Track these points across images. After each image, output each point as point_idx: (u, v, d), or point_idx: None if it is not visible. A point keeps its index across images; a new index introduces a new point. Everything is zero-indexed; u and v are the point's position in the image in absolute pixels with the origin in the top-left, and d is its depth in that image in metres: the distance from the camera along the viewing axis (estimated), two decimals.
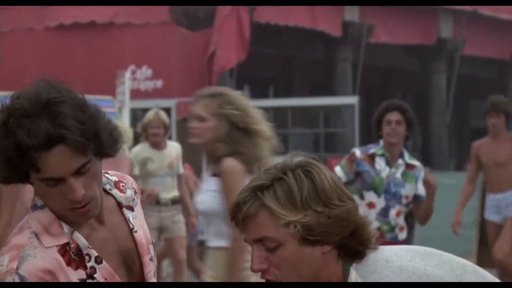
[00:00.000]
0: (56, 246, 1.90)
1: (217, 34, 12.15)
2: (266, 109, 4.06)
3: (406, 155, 5.19)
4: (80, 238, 1.93)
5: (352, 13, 14.56)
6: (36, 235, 1.92)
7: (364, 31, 14.37)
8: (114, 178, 2.06)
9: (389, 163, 5.13)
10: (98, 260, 1.93)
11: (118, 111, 10.34)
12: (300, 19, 13.36)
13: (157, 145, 6.84)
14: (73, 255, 1.92)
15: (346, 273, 1.85)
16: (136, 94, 11.46)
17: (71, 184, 1.88)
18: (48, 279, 1.88)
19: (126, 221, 2.02)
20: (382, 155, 5.12)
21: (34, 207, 1.98)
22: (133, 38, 12.68)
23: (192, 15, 12.82)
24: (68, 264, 1.90)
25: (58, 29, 12.94)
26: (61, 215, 1.92)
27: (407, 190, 5.08)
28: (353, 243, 1.83)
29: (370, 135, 12.62)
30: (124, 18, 12.85)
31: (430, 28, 15.54)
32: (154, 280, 2.01)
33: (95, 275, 1.91)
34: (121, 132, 2.02)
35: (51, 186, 1.88)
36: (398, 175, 5.10)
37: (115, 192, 2.03)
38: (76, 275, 1.90)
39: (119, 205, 2.03)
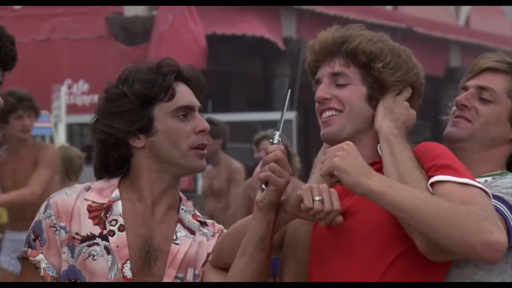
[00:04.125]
0: (93, 202, 2.09)
1: (154, 48, 12.11)
2: None
3: None
4: (117, 206, 2.09)
5: (290, 29, 14.70)
6: (89, 188, 2.12)
7: (301, 47, 14.51)
8: (197, 212, 2.19)
9: None
10: (121, 229, 2.08)
11: (54, 126, 10.21)
12: (240, 31, 13.42)
13: None
14: (101, 214, 2.08)
15: None
16: (72, 109, 11.32)
17: (199, 116, 2.10)
18: (61, 216, 2.07)
19: (174, 232, 2.11)
20: None
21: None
22: (69, 53, 12.55)
23: (130, 30, 12.76)
24: (91, 218, 2.08)
25: None
26: (175, 164, 2.08)
27: None
28: None
29: (308, 150, 12.71)
30: (61, 32, 12.71)
31: None
32: None
33: (110, 238, 2.06)
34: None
35: (180, 117, 2.08)
36: None
37: (183, 212, 2.14)
38: (90, 229, 2.07)
39: (179, 221, 2.12)
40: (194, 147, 2.08)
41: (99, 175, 2.14)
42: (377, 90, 2.03)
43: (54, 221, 2.06)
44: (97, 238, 2.05)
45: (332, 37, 2.06)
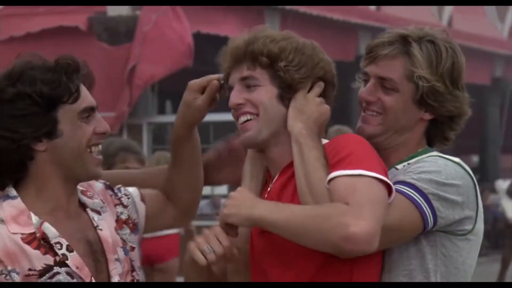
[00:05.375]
0: (22, 234, 1.95)
1: (137, 48, 12.07)
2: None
3: None
4: (49, 228, 1.98)
5: (273, 29, 14.69)
6: (1, 220, 1.96)
7: None
8: (80, 188, 2.12)
9: None
10: (70, 249, 1.99)
11: None
12: (223, 31, 13.43)
13: None
14: (42, 241, 1.97)
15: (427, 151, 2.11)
16: None
17: (99, 117, 2.02)
18: (3, 260, 1.92)
19: (91, 220, 2.07)
20: None
21: (5, 197, 2.01)
22: (51, 52, 12.48)
23: (113, 30, 12.72)
24: (37, 248, 1.95)
25: None
26: (73, 169, 2.01)
27: None
28: (447, 127, 2.10)
29: None
30: (42, 31, 12.65)
31: (348, 45, 15.80)
32: (117, 278, 2.05)
33: (67, 262, 1.97)
34: None
35: (84, 119, 2.00)
36: None
37: (80, 195, 2.10)
38: (43, 260, 1.95)
39: (84, 206, 2.09)
40: (91, 144, 2.00)
41: None
42: (286, 90, 2.04)
43: None
44: (55, 268, 1.96)
45: (242, 42, 2.09)
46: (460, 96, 2.13)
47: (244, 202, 1.96)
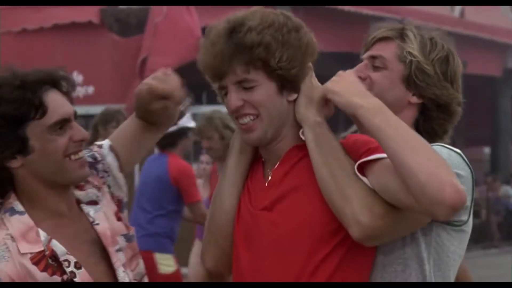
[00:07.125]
0: (30, 253, 1.95)
1: (149, 39, 12.07)
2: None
3: None
4: (57, 246, 1.98)
5: None
6: (12, 237, 1.96)
7: None
8: None
9: None
10: (78, 266, 1.98)
11: None
12: None
13: None
14: (50, 261, 1.96)
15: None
16: None
17: (76, 125, 1.99)
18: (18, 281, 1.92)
19: (86, 215, 2.06)
20: None
21: (12, 211, 2.00)
22: (62, 44, 12.51)
23: (124, 21, 12.73)
24: (44, 270, 1.95)
25: None
26: (55, 180, 1.98)
27: None
28: (435, 117, 2.12)
29: None
30: (54, 23, 12.67)
31: (359, 37, 15.74)
32: (122, 269, 2.05)
33: (75, 279, 1.97)
34: None
35: (57, 131, 1.96)
36: None
37: (74, 191, 2.08)
38: (49, 280, 1.95)
39: (77, 201, 2.07)
40: (69, 153, 1.98)
41: None
42: (285, 83, 2.02)
43: None
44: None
45: (225, 46, 2.03)
46: (450, 89, 2.13)
47: (354, 88, 1.98)
